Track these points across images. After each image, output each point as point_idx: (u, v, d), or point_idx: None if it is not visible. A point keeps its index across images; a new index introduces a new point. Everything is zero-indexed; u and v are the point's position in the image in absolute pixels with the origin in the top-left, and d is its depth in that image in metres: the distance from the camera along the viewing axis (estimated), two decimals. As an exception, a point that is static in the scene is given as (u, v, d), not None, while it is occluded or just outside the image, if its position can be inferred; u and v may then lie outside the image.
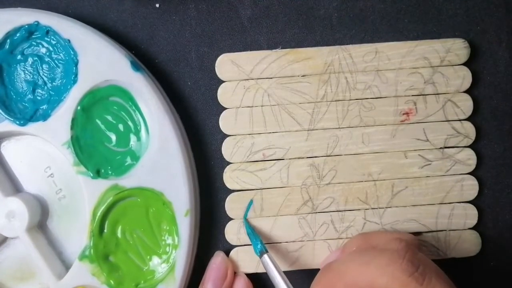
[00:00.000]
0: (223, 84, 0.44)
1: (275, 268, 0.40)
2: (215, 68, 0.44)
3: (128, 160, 0.42)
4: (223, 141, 0.44)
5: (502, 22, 0.46)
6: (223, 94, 0.44)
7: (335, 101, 0.44)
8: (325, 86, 0.44)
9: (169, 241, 0.42)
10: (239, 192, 0.44)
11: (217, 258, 0.43)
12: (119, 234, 0.42)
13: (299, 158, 0.44)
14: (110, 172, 0.42)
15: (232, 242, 0.44)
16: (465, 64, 0.44)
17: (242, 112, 0.44)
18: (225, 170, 0.44)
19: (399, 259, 0.35)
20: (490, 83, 0.46)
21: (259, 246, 0.41)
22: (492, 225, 0.46)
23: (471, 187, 0.45)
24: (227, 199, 0.44)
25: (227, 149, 0.44)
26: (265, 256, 0.41)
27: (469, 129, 0.45)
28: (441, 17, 0.45)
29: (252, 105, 0.44)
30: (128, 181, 0.41)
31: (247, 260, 0.44)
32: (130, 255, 0.42)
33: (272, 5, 0.45)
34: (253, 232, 0.43)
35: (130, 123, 0.42)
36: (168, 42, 0.44)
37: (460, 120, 0.45)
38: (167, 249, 0.42)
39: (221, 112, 0.44)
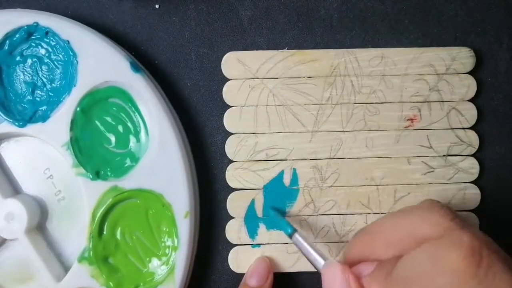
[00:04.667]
0: (228, 82, 0.44)
1: (309, 245, 0.38)
2: (221, 65, 0.44)
3: (128, 162, 0.42)
4: (223, 142, 0.44)
5: (502, 23, 0.45)
6: (228, 92, 0.44)
7: (340, 104, 0.44)
8: (331, 89, 0.44)
9: (169, 243, 0.42)
10: (241, 191, 0.44)
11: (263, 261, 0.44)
12: (118, 236, 0.42)
13: (302, 159, 0.44)
14: (109, 174, 0.42)
15: (233, 241, 0.44)
16: (469, 72, 0.44)
17: (246, 111, 0.44)
18: (227, 168, 0.44)
19: (436, 207, 0.34)
20: (491, 85, 0.45)
21: (289, 228, 0.40)
22: (493, 235, 0.45)
23: (473, 196, 0.45)
24: (229, 197, 0.44)
25: (231, 147, 0.44)
26: (296, 234, 0.39)
27: (473, 138, 0.45)
28: (441, 18, 0.45)
29: (257, 104, 0.44)
30: (127, 182, 0.41)
31: (247, 259, 0.44)
32: (129, 257, 0.42)
33: (272, 6, 0.44)
34: (279, 215, 0.43)
35: (129, 124, 0.42)
36: (167, 43, 0.44)
37: (464, 128, 0.45)
38: (167, 251, 0.42)
39: (221, 113, 0.44)
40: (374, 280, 0.33)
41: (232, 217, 0.44)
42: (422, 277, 0.31)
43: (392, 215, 0.36)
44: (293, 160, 0.44)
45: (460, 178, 0.45)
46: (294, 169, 0.44)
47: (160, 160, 0.41)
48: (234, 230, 0.44)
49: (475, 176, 0.45)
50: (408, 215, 0.34)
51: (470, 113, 0.44)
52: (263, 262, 0.43)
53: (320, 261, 0.37)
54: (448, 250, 0.30)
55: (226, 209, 0.44)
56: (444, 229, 0.32)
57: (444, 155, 0.44)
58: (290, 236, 0.40)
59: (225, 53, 0.44)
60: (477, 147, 0.45)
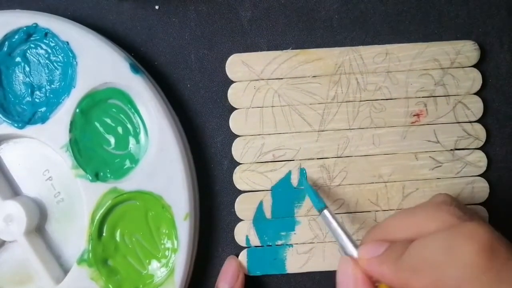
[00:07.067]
0: (233, 85, 0.43)
1: (336, 222, 0.38)
2: (225, 68, 0.43)
3: (127, 163, 0.42)
4: (223, 144, 0.44)
5: (504, 24, 0.45)
6: (234, 94, 0.43)
7: (346, 102, 0.44)
8: (336, 87, 0.44)
9: (168, 245, 0.41)
10: (248, 193, 0.44)
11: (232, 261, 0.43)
12: (118, 238, 0.41)
13: (309, 159, 0.44)
14: (109, 175, 0.41)
15: (241, 243, 0.44)
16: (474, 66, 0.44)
17: (252, 113, 0.43)
18: (235, 171, 0.44)
19: (445, 205, 0.34)
20: (492, 85, 0.45)
21: (319, 203, 0.40)
22: (503, 227, 0.44)
23: (482, 189, 0.44)
24: (237, 200, 0.44)
25: (237, 150, 0.44)
26: (325, 211, 0.39)
27: (479, 131, 0.44)
28: (442, 19, 0.45)
29: (263, 105, 0.44)
30: (127, 184, 0.41)
31: (255, 262, 0.44)
32: (129, 259, 0.41)
33: (273, 7, 0.44)
34: (312, 188, 0.42)
35: (129, 125, 0.42)
36: (167, 44, 0.44)
37: (470, 122, 0.44)
38: (166, 253, 0.41)
39: (221, 114, 0.44)
40: (384, 262, 0.33)
41: (238, 219, 0.44)
42: (432, 267, 0.30)
43: (401, 213, 0.35)
44: (300, 160, 0.44)
45: (468, 172, 0.44)
46: (302, 169, 0.43)
47: (159, 162, 0.41)
48: (242, 233, 0.44)
49: (483, 169, 0.44)
50: (417, 214, 0.34)
51: (476, 106, 0.44)
52: (232, 264, 0.43)
53: (346, 245, 0.36)
54: (462, 242, 0.30)
55: (226, 211, 0.44)
56: (450, 227, 0.32)
57: (451, 149, 0.44)
58: (319, 211, 0.39)
59: (225, 54, 0.44)
60: (484, 140, 0.44)
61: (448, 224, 0.32)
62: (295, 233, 0.44)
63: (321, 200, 0.40)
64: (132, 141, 0.42)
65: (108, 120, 0.42)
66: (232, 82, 0.43)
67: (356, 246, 0.36)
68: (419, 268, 0.31)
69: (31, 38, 0.41)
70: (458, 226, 0.31)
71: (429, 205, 0.35)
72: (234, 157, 0.43)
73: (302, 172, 0.43)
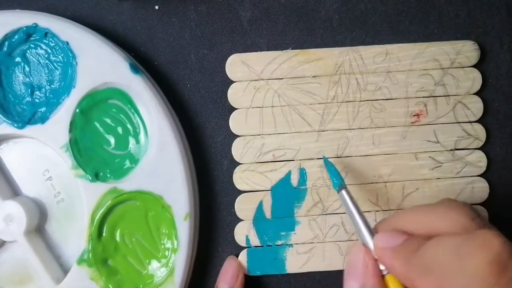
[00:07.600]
0: (233, 85, 0.43)
1: (353, 204, 0.38)
2: (226, 68, 0.43)
3: (127, 163, 0.42)
4: (223, 144, 0.44)
5: (504, 24, 0.45)
6: (234, 95, 0.43)
7: (346, 102, 0.44)
8: (336, 87, 0.44)
9: (168, 245, 0.41)
10: (248, 193, 0.44)
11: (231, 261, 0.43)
12: (118, 238, 0.41)
13: (309, 159, 0.44)
14: (108, 175, 0.41)
15: (241, 243, 0.44)
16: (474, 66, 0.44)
17: (252, 113, 0.43)
18: (235, 171, 0.44)
19: (459, 205, 0.33)
20: (492, 85, 0.45)
21: (338, 180, 0.40)
22: (503, 228, 0.44)
23: (482, 189, 0.44)
24: (237, 200, 0.44)
25: (237, 150, 0.44)
26: (343, 191, 0.38)
27: (479, 131, 0.44)
28: (442, 19, 0.45)
29: (262, 105, 0.43)
30: (127, 184, 0.41)
31: (255, 262, 0.44)
32: (129, 259, 0.41)
33: (272, 7, 0.44)
34: (333, 166, 0.41)
35: (129, 125, 0.42)
36: (167, 44, 0.44)
37: (470, 122, 0.44)
38: (166, 253, 0.41)
39: (221, 114, 0.44)
40: (397, 256, 0.33)
41: (238, 219, 0.44)
42: (439, 270, 0.30)
43: (417, 208, 0.35)
44: (300, 160, 0.44)
45: (468, 172, 0.44)
46: (302, 169, 0.44)
47: (159, 162, 0.41)
48: (242, 233, 0.44)
49: (483, 169, 0.44)
50: (430, 212, 0.34)
51: (476, 107, 0.44)
52: (232, 264, 0.43)
53: (361, 229, 0.36)
54: (473, 251, 0.29)
55: (226, 211, 0.44)
56: (463, 229, 0.32)
57: (451, 149, 0.44)
58: (338, 190, 0.39)
59: (225, 54, 0.44)
60: (484, 140, 0.44)
61: (460, 224, 0.32)
62: (295, 233, 0.44)
63: (341, 178, 0.40)
64: (132, 141, 0.42)
65: (108, 120, 0.42)
66: (232, 82, 0.43)
67: (371, 232, 0.36)
68: (428, 269, 0.30)
69: (31, 38, 0.41)
70: (472, 233, 0.30)
71: (441, 205, 0.34)
72: (234, 157, 0.43)
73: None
